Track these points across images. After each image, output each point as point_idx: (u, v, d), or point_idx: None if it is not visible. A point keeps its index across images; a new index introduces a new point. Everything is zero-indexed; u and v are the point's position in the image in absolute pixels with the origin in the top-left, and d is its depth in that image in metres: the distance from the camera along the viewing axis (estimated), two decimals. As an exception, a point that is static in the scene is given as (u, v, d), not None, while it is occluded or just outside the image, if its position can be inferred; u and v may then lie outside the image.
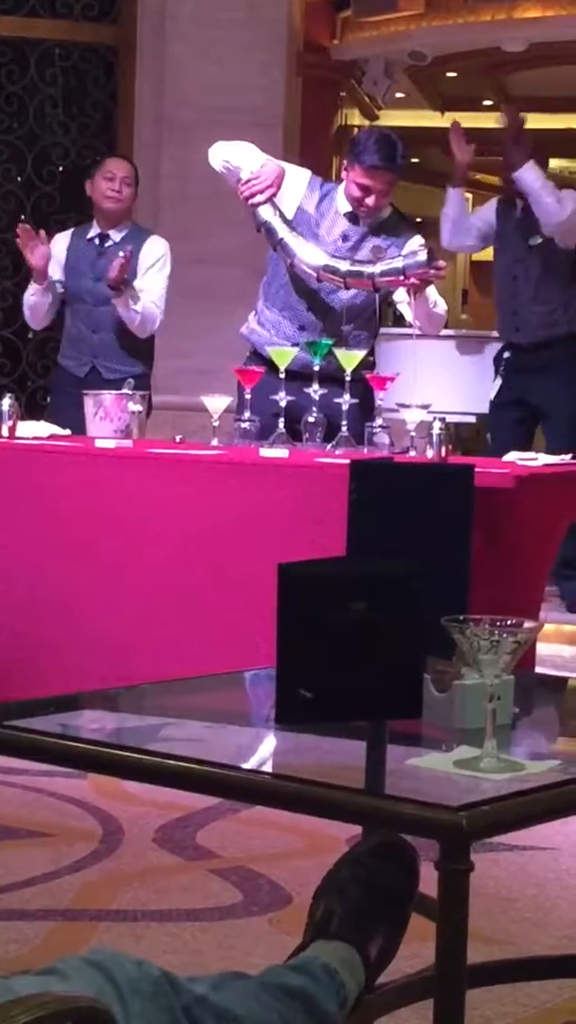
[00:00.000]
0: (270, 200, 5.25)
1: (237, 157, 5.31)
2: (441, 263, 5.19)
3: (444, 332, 6.34)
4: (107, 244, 6.23)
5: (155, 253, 6.23)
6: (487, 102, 12.00)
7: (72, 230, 6.43)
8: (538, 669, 4.59)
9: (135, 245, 6.18)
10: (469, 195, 7.13)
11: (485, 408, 7.44)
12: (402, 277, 5.17)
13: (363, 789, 2.17)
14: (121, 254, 5.99)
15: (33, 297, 6.23)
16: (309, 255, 5.24)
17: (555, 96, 11.26)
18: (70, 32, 8.64)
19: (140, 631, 4.71)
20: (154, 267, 6.20)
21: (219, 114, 7.79)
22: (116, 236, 6.24)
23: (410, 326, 5.47)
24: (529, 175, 6.71)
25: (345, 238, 5.35)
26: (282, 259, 5.34)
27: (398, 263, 5.18)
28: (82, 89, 8.73)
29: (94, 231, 6.30)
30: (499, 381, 6.92)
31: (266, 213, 5.26)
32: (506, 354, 6.93)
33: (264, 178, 5.23)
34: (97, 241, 6.26)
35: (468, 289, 15.23)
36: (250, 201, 5.25)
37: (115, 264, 5.98)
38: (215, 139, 5.43)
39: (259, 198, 5.23)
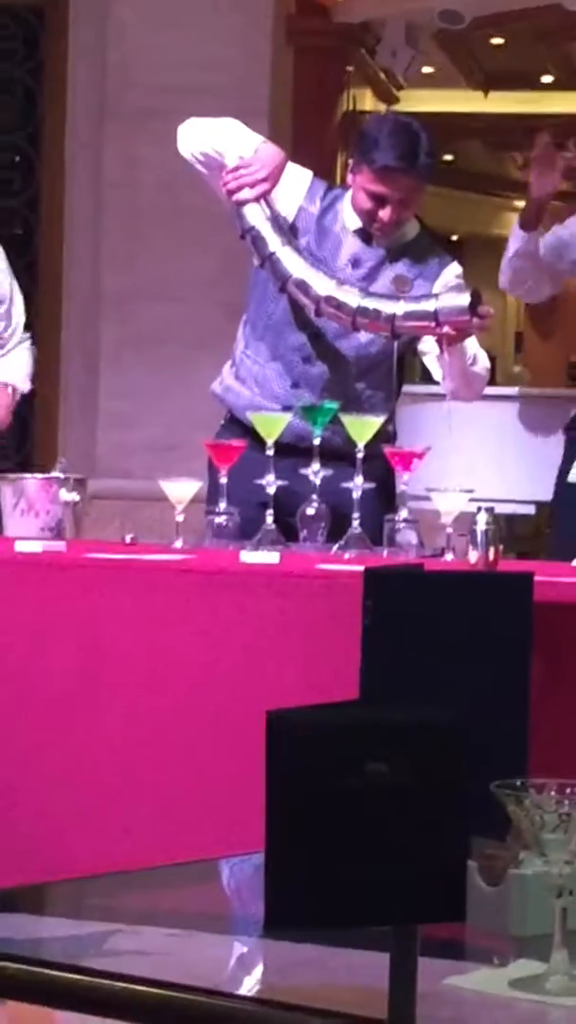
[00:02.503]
0: (262, 197, 5.24)
1: (220, 137, 5.28)
2: (488, 310, 5.14)
3: (490, 391, 6.35)
4: None
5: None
6: (546, 78, 12.14)
7: None
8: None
9: None
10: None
11: (550, 493, 7.44)
12: (434, 324, 5.13)
13: (385, 1020, 2.17)
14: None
15: None
16: (309, 278, 5.20)
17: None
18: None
19: (85, 798, 4.69)
20: None
21: (180, 98, 7.82)
22: None
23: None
24: None
25: (356, 263, 5.35)
26: (271, 283, 5.31)
27: (429, 305, 5.13)
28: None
29: None
30: None
31: (254, 216, 5.22)
32: None
33: (257, 166, 5.19)
34: None
35: (524, 332, 15.17)
36: (235, 196, 5.21)
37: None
38: (173, 131, 5.42)
39: (247, 192, 5.18)
